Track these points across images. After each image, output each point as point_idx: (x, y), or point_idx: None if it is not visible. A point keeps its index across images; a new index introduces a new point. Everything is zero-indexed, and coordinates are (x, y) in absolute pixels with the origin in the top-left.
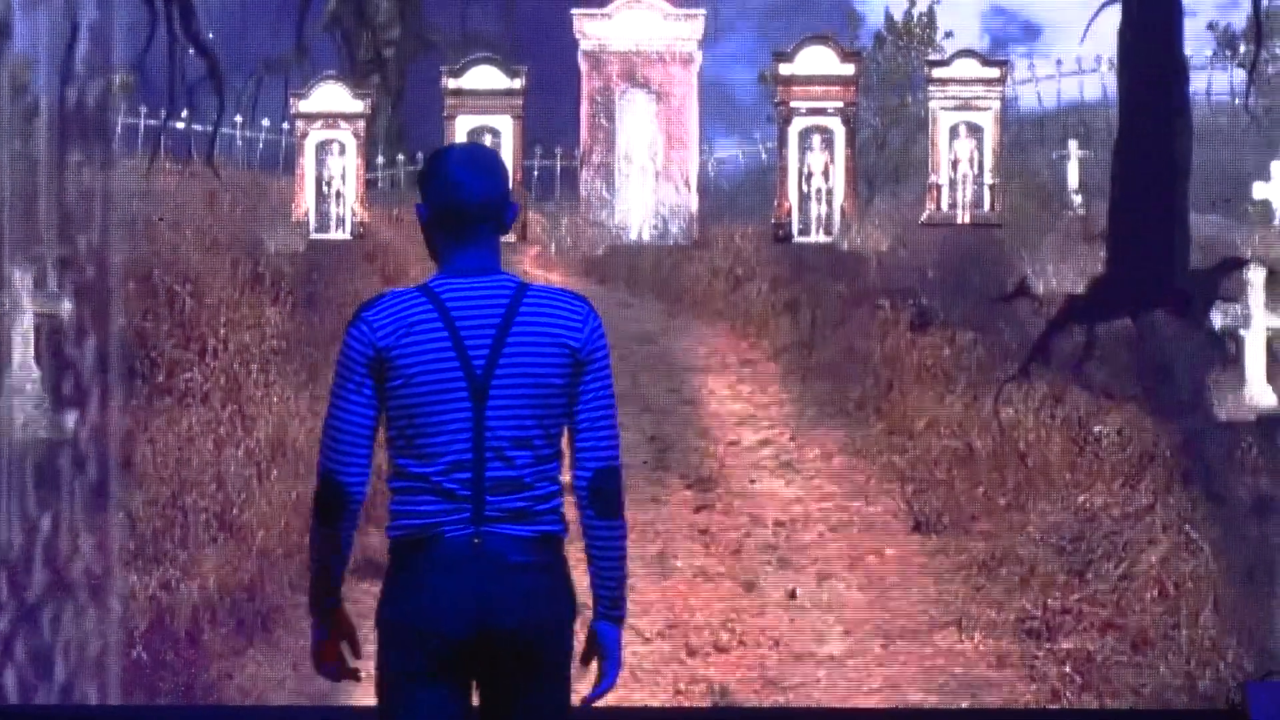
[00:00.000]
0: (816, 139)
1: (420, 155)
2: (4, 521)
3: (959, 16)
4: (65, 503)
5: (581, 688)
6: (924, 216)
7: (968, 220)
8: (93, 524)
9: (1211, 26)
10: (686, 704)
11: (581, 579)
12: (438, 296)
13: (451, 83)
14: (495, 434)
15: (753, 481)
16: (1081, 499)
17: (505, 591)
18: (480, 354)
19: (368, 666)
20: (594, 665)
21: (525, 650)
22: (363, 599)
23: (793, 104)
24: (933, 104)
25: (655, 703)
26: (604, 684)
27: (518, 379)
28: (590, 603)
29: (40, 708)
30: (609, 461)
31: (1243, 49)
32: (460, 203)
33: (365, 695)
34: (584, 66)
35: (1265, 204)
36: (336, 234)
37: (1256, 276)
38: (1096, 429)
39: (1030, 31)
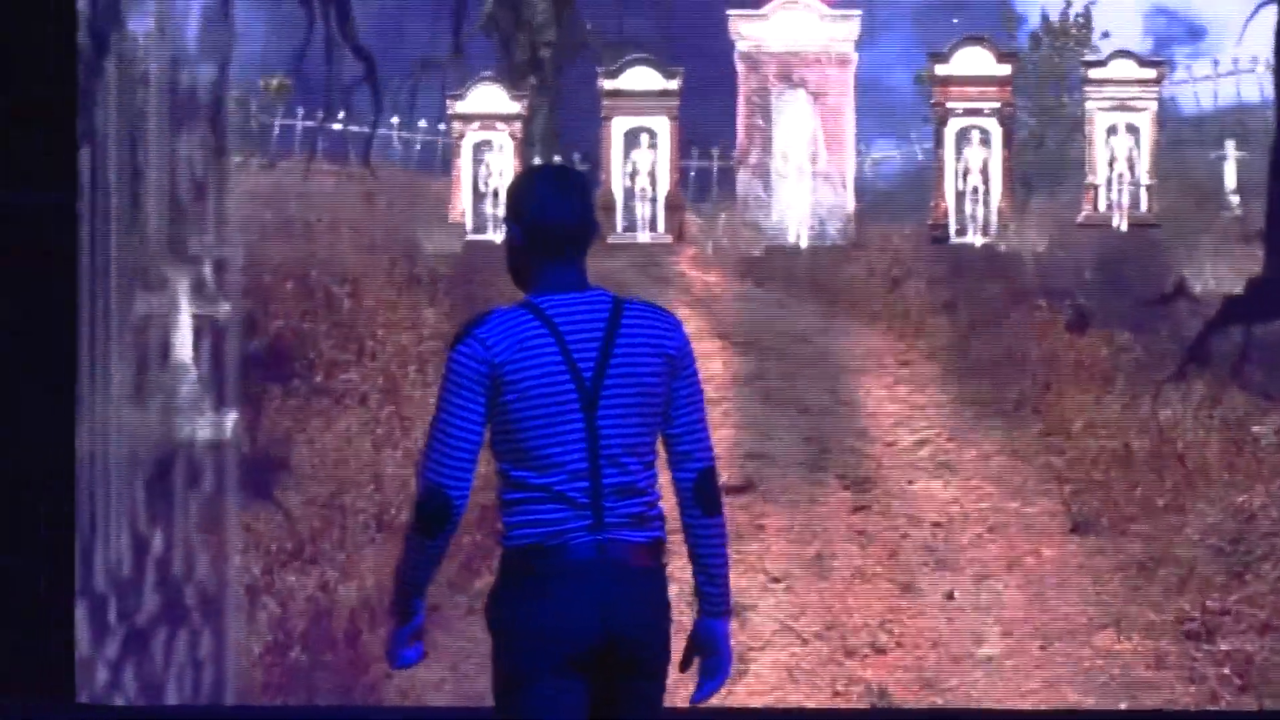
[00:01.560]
0: (973, 139)
1: (577, 156)
2: (163, 521)
3: (1120, 17)
4: (223, 503)
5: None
6: (1081, 217)
7: (1125, 221)
8: (250, 524)
9: None
10: (844, 705)
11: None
12: (544, 312)
13: (608, 84)
14: (608, 442)
15: (910, 482)
16: (1240, 500)
17: (628, 597)
18: (588, 365)
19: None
20: (695, 665)
21: (641, 654)
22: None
23: (949, 104)
24: (1089, 104)
25: (812, 704)
26: (719, 679)
27: (625, 387)
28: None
29: (198, 708)
30: (709, 462)
31: None
32: (560, 224)
33: None
34: (740, 67)
35: None
36: (493, 234)
37: None
38: (1255, 429)
39: (1194, 32)
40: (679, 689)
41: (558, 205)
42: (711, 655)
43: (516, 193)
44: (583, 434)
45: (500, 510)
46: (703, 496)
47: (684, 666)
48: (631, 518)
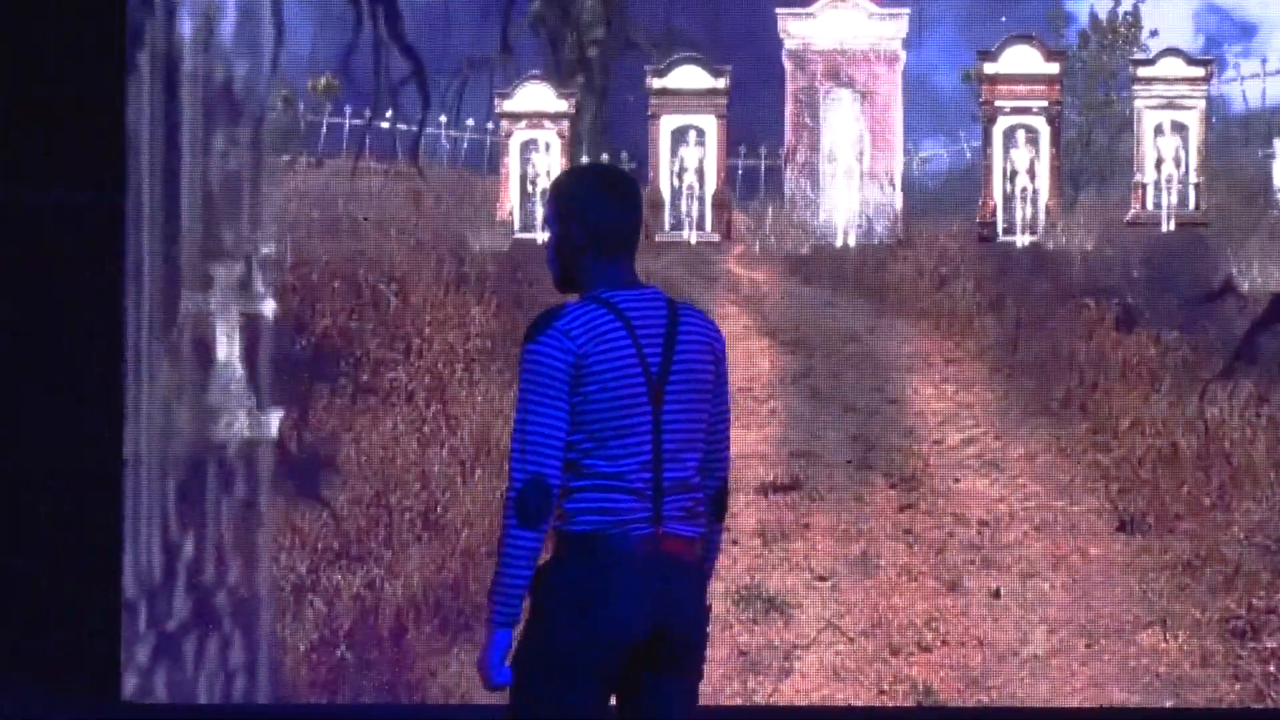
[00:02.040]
0: (1021, 138)
1: (625, 155)
2: (210, 519)
3: (1169, 16)
4: (269, 502)
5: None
6: (1129, 215)
7: (1172, 219)
8: (296, 523)
9: None
10: (890, 703)
11: None
12: (616, 306)
13: (656, 82)
14: (671, 437)
15: (956, 481)
16: None
17: (682, 590)
18: (655, 360)
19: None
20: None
21: (687, 648)
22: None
23: (997, 103)
24: (1138, 103)
25: (859, 702)
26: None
27: (687, 384)
28: None
29: (243, 706)
30: (727, 474)
31: None
32: (622, 223)
33: None
34: (788, 66)
35: None
36: (540, 233)
37: None
38: None
39: (1244, 30)
40: (724, 687)
41: (619, 205)
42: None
43: (572, 192)
44: (650, 427)
45: (563, 497)
46: (719, 503)
47: None
48: (685, 512)
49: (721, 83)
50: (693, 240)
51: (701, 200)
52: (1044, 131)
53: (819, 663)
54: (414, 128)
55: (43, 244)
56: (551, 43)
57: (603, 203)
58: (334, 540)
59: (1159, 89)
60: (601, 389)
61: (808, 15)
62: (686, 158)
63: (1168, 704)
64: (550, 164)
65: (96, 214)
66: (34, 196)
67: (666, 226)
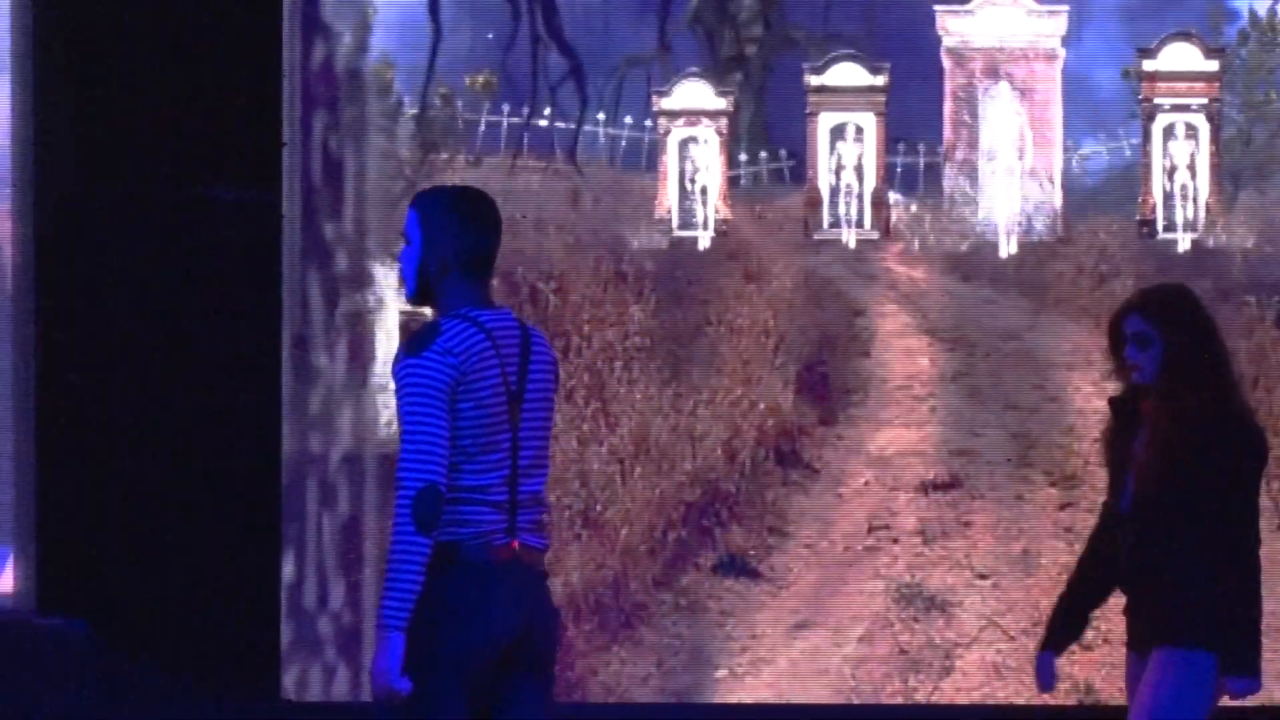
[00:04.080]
0: (1181, 135)
1: (784, 152)
2: (368, 518)
3: None
4: None
5: None
6: None
7: None
8: None
9: None
10: (1051, 702)
11: None
12: (485, 326)
13: (814, 79)
14: (526, 452)
15: None
16: None
17: (535, 598)
18: (513, 379)
19: None
20: None
21: (543, 650)
22: (726, 595)
23: (1157, 100)
24: None
25: (1020, 700)
26: None
27: (538, 402)
28: None
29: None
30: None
31: None
32: (486, 245)
33: (731, 692)
34: (947, 63)
35: None
36: (699, 231)
37: None
38: None
39: None
40: (885, 685)
41: (484, 228)
42: None
43: (439, 214)
44: (509, 443)
45: None
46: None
47: None
48: (536, 524)
49: (880, 80)
50: (851, 238)
51: (860, 198)
52: (1203, 129)
53: (980, 661)
54: (572, 125)
55: (204, 242)
56: (709, 40)
57: (469, 226)
58: None
59: None
60: (475, 406)
61: (966, 12)
62: (845, 155)
63: None
64: (709, 162)
65: (257, 213)
66: (195, 193)
67: (825, 224)
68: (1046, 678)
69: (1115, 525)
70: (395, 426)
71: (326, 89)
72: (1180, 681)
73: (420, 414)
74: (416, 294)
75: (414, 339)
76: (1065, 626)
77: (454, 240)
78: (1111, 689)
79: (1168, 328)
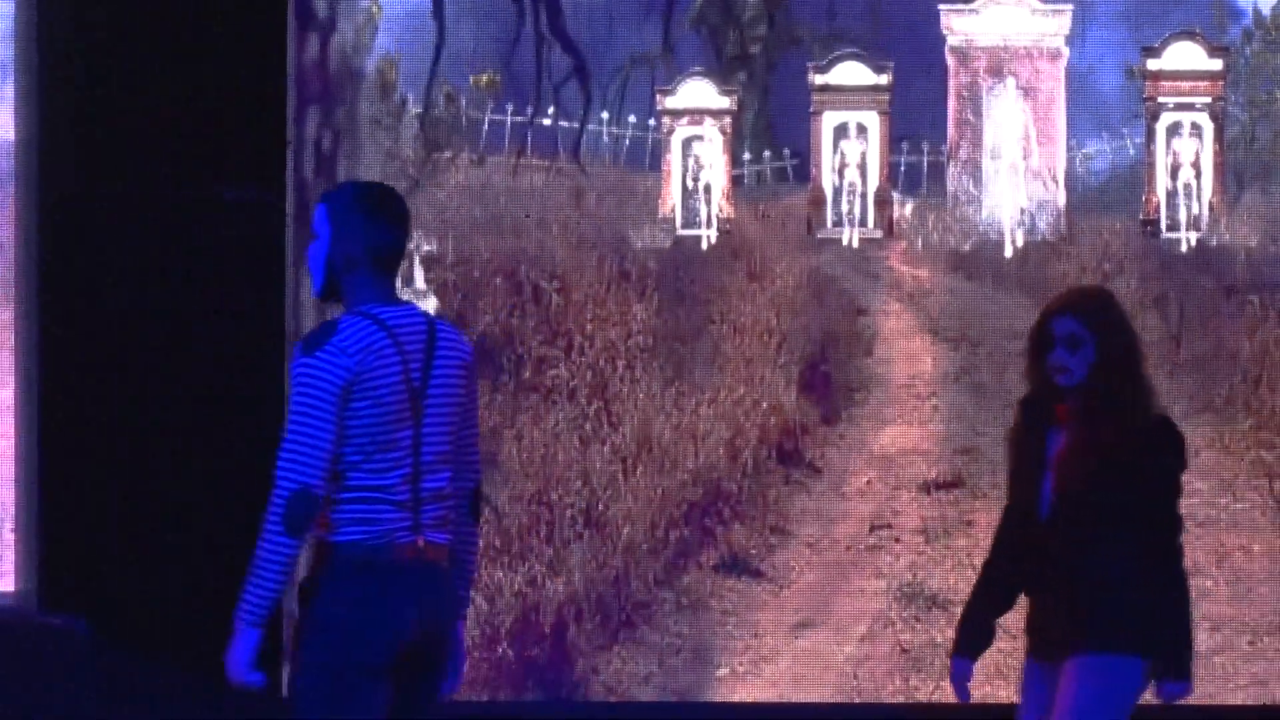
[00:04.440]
0: (1185, 134)
1: (787, 151)
2: None
3: None
4: None
5: None
6: None
7: None
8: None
9: None
10: None
11: None
12: (385, 323)
13: (818, 79)
14: (429, 449)
15: None
16: None
17: (440, 597)
18: (416, 376)
19: None
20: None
21: (439, 648)
22: (728, 594)
23: (1160, 99)
24: None
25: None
26: (459, 677)
27: (444, 399)
28: None
29: None
30: (479, 476)
31: None
32: (394, 242)
33: (732, 691)
34: (951, 62)
35: None
36: (703, 230)
37: None
38: None
39: None
40: (886, 684)
41: (392, 225)
42: (455, 655)
43: (348, 210)
44: (410, 440)
45: (328, 508)
46: (474, 506)
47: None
48: (440, 520)
49: (884, 79)
50: (855, 237)
51: (864, 197)
52: (1207, 128)
53: (981, 661)
54: (576, 124)
55: (206, 241)
56: (713, 39)
57: (377, 222)
58: (495, 537)
59: None
60: (373, 404)
61: (970, 11)
62: (849, 154)
63: None
64: (712, 161)
65: (259, 212)
66: (198, 193)
67: (829, 223)
68: (964, 686)
69: (1030, 530)
70: None
71: (330, 88)
72: (1106, 687)
73: (306, 415)
74: (324, 289)
75: (310, 337)
76: (977, 633)
77: (361, 236)
78: None
79: (1100, 330)
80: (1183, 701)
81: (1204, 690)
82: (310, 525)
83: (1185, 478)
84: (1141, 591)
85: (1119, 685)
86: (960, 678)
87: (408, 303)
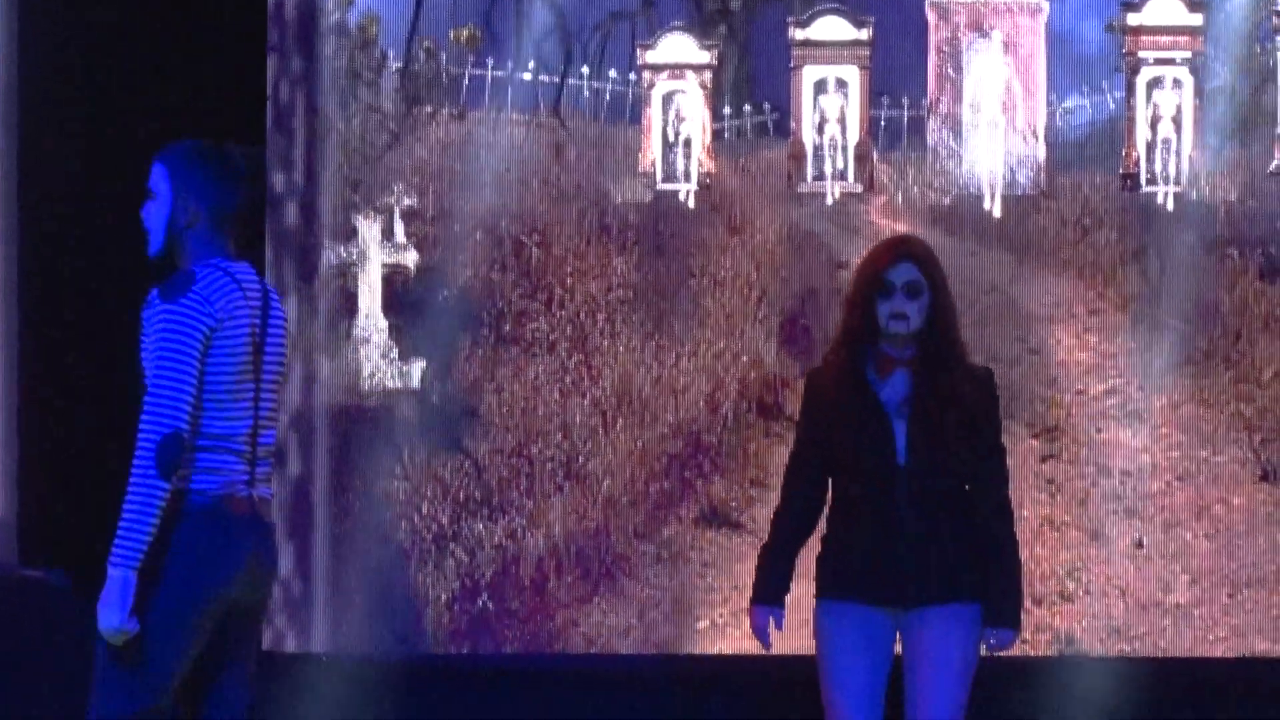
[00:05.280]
0: (1165, 89)
1: (767, 106)
2: (353, 471)
3: None
4: (412, 452)
5: None
6: (1272, 166)
7: None
8: (439, 473)
9: None
10: (1033, 653)
11: None
12: (236, 278)
13: (799, 33)
14: (265, 404)
15: (1099, 431)
16: None
17: (266, 548)
18: (257, 331)
19: None
20: None
21: (258, 607)
22: (708, 547)
23: (1140, 54)
24: None
25: (1000, 652)
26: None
27: (276, 355)
28: None
29: (387, 656)
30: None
31: None
32: (237, 200)
33: (712, 643)
34: (931, 17)
35: None
36: (683, 184)
37: None
38: None
39: None
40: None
41: (235, 183)
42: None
43: (191, 168)
44: (253, 394)
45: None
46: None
47: None
48: (268, 476)
49: (864, 33)
50: (835, 191)
51: (844, 151)
52: (1187, 82)
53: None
54: (556, 79)
55: None
56: None
57: (220, 180)
58: (476, 490)
59: None
60: (227, 355)
61: None
62: (829, 108)
63: None
64: (693, 115)
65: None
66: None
67: (808, 178)
68: (766, 632)
69: (883, 477)
70: (380, 378)
71: (311, 43)
72: (974, 634)
73: (172, 360)
74: (163, 248)
75: (169, 285)
76: (781, 578)
77: (204, 194)
78: (1093, 640)
79: (937, 278)
80: (1161, 654)
81: (1185, 642)
82: (179, 468)
83: (1165, 430)
84: (984, 541)
85: (976, 633)
86: (765, 624)
87: (244, 261)
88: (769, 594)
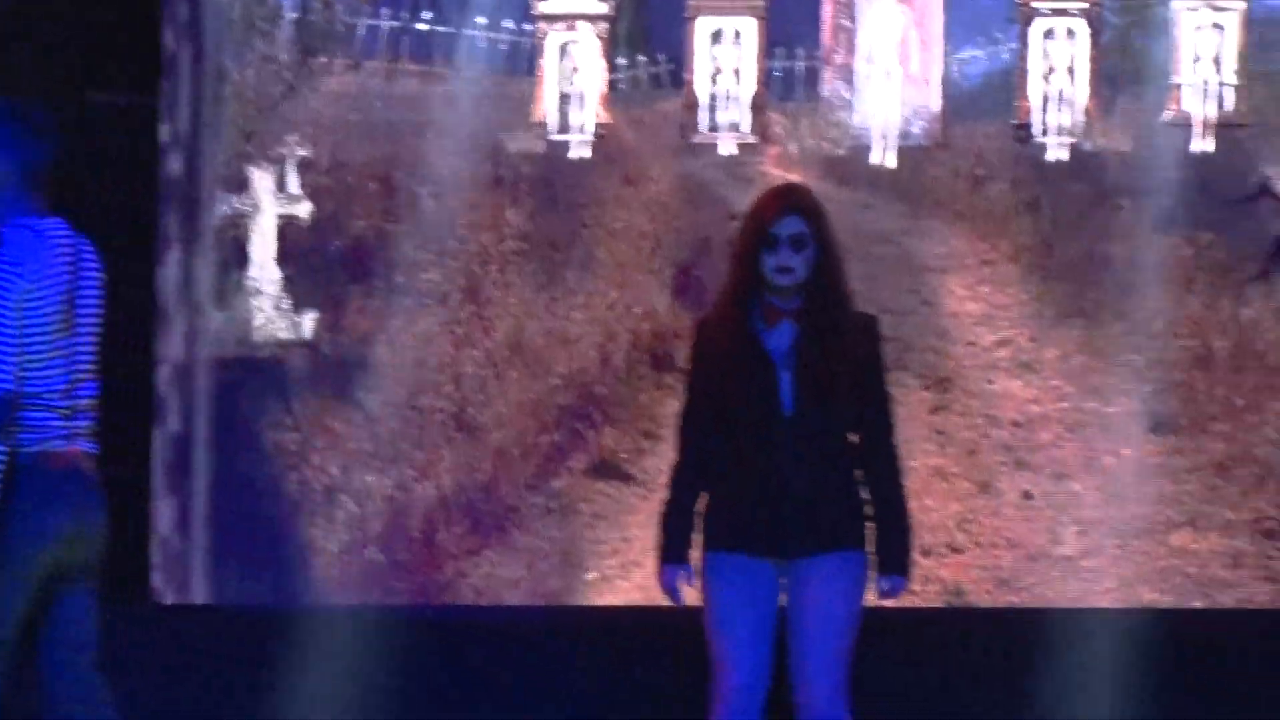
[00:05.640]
0: (1059, 39)
1: (662, 56)
2: (243, 422)
3: None
4: (302, 403)
5: None
6: (1166, 117)
7: (1211, 121)
8: (329, 424)
9: None
10: (920, 604)
11: None
12: (45, 236)
13: None
14: (78, 359)
15: (990, 382)
16: None
17: (93, 504)
18: (70, 287)
19: None
20: None
21: (90, 561)
22: (598, 498)
23: (1035, 4)
24: (1175, 4)
25: (889, 603)
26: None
27: (90, 310)
28: None
29: (273, 607)
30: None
31: None
32: (49, 157)
33: (600, 595)
34: None
35: None
36: (577, 135)
37: None
38: None
39: None
40: None
41: (45, 138)
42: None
43: (7, 125)
44: (68, 349)
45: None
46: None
47: None
48: (89, 430)
49: None
50: (729, 143)
51: (738, 102)
52: (1082, 33)
53: None
54: (451, 29)
55: (81, 146)
56: None
57: (28, 137)
58: (366, 442)
59: None
60: (40, 315)
61: None
62: (723, 59)
63: (1198, 604)
64: (588, 65)
65: (136, 117)
66: (73, 99)
67: (703, 129)
68: (678, 590)
69: (769, 428)
70: (271, 329)
71: None
72: (860, 584)
73: None
74: None
75: None
76: (684, 535)
77: (12, 152)
78: (981, 592)
79: (823, 230)
80: (1050, 605)
81: (1073, 592)
82: (10, 428)
83: (1056, 382)
84: (873, 488)
85: (863, 582)
86: (676, 583)
87: (55, 217)
88: (674, 553)
